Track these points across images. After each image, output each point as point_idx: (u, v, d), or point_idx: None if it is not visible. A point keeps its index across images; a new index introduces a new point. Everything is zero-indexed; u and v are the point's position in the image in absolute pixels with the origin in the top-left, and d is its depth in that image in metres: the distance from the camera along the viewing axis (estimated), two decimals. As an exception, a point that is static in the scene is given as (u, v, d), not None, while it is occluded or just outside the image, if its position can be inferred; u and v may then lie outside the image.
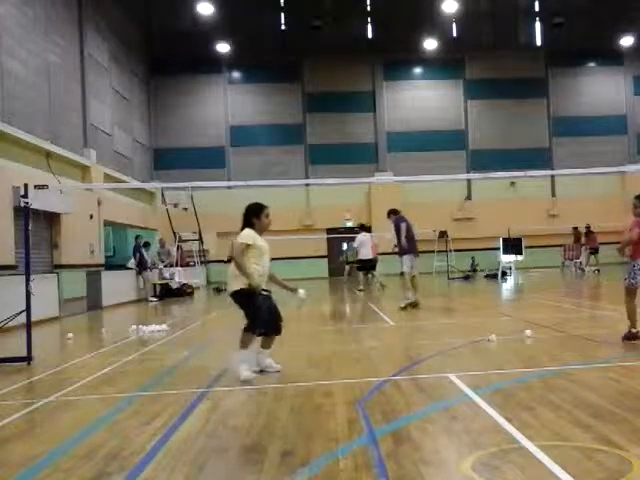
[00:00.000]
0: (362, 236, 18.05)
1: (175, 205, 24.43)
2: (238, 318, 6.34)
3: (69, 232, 15.95)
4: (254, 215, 5.98)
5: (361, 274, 18.44)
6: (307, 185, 28.93)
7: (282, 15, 30.15)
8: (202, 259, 25.41)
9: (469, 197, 30.21)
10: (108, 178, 20.88)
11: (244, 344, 5.86)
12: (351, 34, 29.89)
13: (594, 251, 25.15)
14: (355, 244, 18.22)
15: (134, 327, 10.45)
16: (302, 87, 30.29)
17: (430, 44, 30.03)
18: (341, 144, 29.71)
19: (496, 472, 3.21)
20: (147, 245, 19.56)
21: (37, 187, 8.05)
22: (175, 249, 22.18)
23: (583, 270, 24.69)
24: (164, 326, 10.51)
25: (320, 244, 28.78)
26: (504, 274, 22.47)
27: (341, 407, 4.72)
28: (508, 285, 19.97)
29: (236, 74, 30.49)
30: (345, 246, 23.61)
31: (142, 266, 18.81)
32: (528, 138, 30.21)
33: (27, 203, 7.68)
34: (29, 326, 7.61)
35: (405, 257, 12.28)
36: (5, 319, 8.45)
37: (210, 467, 3.54)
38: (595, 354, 6.62)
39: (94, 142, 20.41)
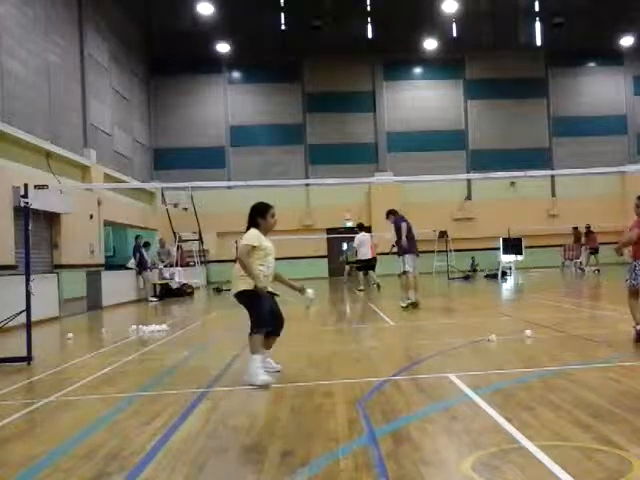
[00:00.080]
0: (361, 236, 18.06)
1: (175, 205, 24.45)
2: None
3: (69, 232, 15.95)
4: (260, 215, 5.88)
5: (361, 274, 18.44)
6: (307, 185, 28.93)
7: (282, 15, 30.15)
8: (202, 259, 25.42)
9: (469, 197, 30.21)
10: (108, 178, 20.88)
11: (255, 348, 5.67)
12: (351, 34, 29.90)
13: (594, 251, 25.15)
14: (355, 244, 18.23)
15: (134, 327, 10.45)
16: (302, 87, 30.29)
17: (430, 44, 30.04)
18: (341, 144, 29.71)
19: (496, 472, 3.21)
20: (147, 245, 19.57)
21: (37, 187, 8.05)
22: (175, 249, 22.19)
23: (583, 270, 24.69)
24: (164, 326, 10.51)
25: (320, 244, 28.80)
26: (504, 274, 22.47)
27: (341, 407, 4.72)
28: (508, 285, 19.97)
29: (236, 74, 30.49)
30: (345, 246, 23.61)
31: (142, 266, 18.81)
32: (528, 138, 30.22)
33: (27, 203, 7.68)
34: (29, 326, 7.61)
35: (407, 256, 12.28)
36: (5, 319, 8.45)
37: (210, 467, 3.54)
38: (595, 354, 6.62)
39: (94, 142, 20.42)
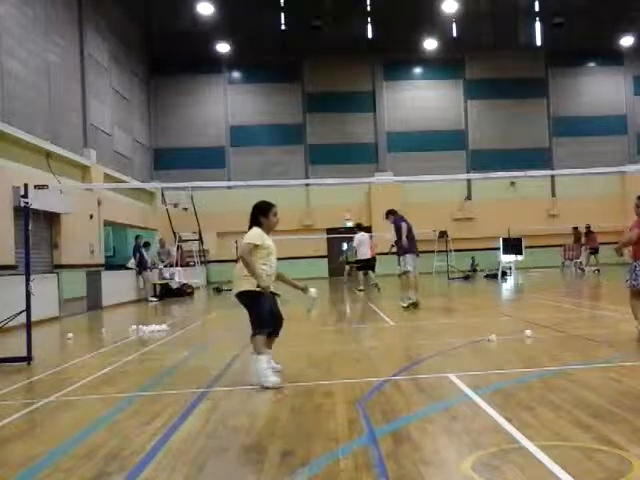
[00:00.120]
0: (361, 236, 18.09)
1: (175, 205, 24.45)
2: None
3: (69, 232, 15.95)
4: (262, 214, 5.82)
5: (361, 274, 18.45)
6: (307, 185, 28.93)
7: (282, 15, 30.16)
8: (202, 259, 25.42)
9: (469, 197, 30.21)
10: (108, 178, 20.88)
11: (259, 348, 5.60)
12: (351, 34, 29.90)
13: (594, 251, 25.16)
14: (354, 244, 18.26)
15: (134, 327, 10.45)
16: (302, 87, 30.29)
17: (430, 44, 30.04)
18: (341, 144, 29.72)
19: (496, 472, 3.21)
20: (147, 245, 19.57)
21: (37, 187, 8.05)
22: (175, 249, 22.19)
23: (583, 270, 24.69)
24: (164, 326, 10.51)
25: (320, 244, 28.80)
26: (504, 274, 22.47)
27: (341, 407, 4.72)
28: (508, 285, 19.97)
29: (236, 74, 30.50)
30: (345, 246, 23.62)
31: (142, 266, 18.81)
32: (528, 138, 30.22)
33: (27, 203, 7.67)
34: (29, 326, 7.61)
35: (408, 256, 12.28)
36: (5, 319, 8.45)
37: (210, 467, 3.54)
38: (595, 354, 6.62)
39: (94, 142, 20.42)
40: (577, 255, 26.07)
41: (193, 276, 22.07)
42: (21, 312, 7.72)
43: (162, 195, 25.79)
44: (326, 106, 29.88)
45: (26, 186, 7.70)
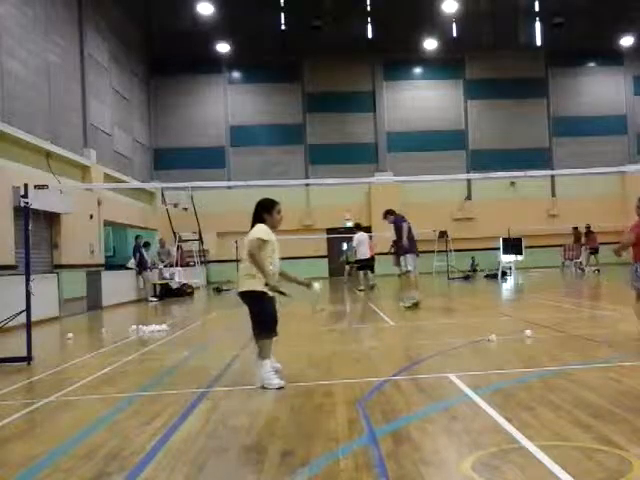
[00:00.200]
0: (360, 235, 18.13)
1: (175, 205, 24.45)
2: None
3: (69, 232, 15.95)
4: (266, 211, 5.73)
5: (361, 274, 18.48)
6: (307, 185, 28.94)
7: (282, 15, 30.16)
8: (202, 259, 25.42)
9: (469, 197, 30.22)
10: (108, 178, 20.88)
11: (266, 354, 5.55)
12: (351, 34, 29.90)
13: (594, 251, 25.16)
14: (354, 243, 18.29)
15: (134, 327, 10.45)
16: (302, 87, 30.30)
17: (430, 44, 30.05)
18: (341, 144, 29.72)
19: (496, 472, 3.21)
20: (147, 245, 19.56)
21: (37, 187, 8.05)
22: (175, 249, 22.19)
23: (583, 270, 24.69)
24: (164, 326, 10.50)
25: (320, 244, 28.81)
26: (504, 274, 22.47)
27: (341, 407, 4.72)
28: (508, 285, 19.97)
29: (236, 74, 30.50)
30: (345, 246, 23.64)
31: (142, 266, 18.81)
32: (528, 138, 30.23)
33: (27, 203, 7.67)
34: (29, 326, 7.61)
35: (408, 256, 12.28)
36: (5, 319, 8.45)
37: (210, 467, 3.54)
38: (595, 354, 6.61)
39: (94, 142, 20.42)
40: (577, 255, 26.07)
41: (193, 276, 22.06)
42: (21, 312, 7.72)
43: (162, 195, 25.79)
44: (326, 106, 29.89)
45: (26, 186, 7.70)
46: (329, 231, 28.17)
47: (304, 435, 4.04)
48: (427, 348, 7.43)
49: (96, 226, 18.13)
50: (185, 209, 24.49)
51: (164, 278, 20.06)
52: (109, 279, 17.47)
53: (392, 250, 22.64)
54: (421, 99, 30.50)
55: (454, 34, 30.52)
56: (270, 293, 5.59)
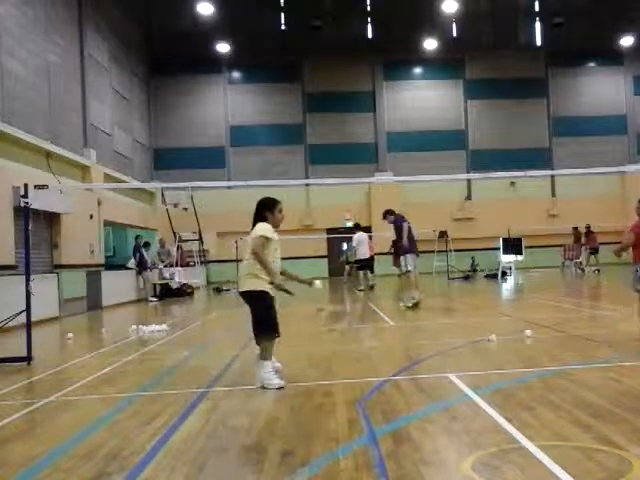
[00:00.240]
0: (359, 235, 18.14)
1: (175, 205, 24.45)
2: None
3: (69, 232, 15.95)
4: (268, 209, 5.69)
5: (361, 274, 18.50)
6: (307, 185, 28.94)
7: (282, 15, 30.17)
8: (202, 259, 25.42)
9: (469, 197, 30.22)
10: (108, 178, 20.88)
11: (268, 355, 5.53)
12: (351, 34, 29.91)
13: (594, 251, 25.16)
14: (353, 243, 18.31)
15: (134, 327, 10.44)
16: (302, 87, 30.30)
17: (430, 44, 30.05)
18: (341, 144, 29.72)
19: (496, 472, 3.21)
20: (147, 245, 19.56)
21: (37, 187, 8.04)
22: (175, 249, 22.19)
23: (583, 270, 24.69)
24: (164, 326, 10.50)
25: (320, 244, 28.81)
26: (504, 274, 22.47)
27: (341, 407, 4.72)
28: (508, 285, 19.97)
29: (236, 74, 30.51)
30: (345, 246, 23.65)
31: (142, 266, 18.81)
32: (528, 138, 30.23)
33: (27, 203, 7.67)
34: (29, 326, 7.61)
35: (409, 256, 12.28)
36: (5, 319, 8.45)
37: (210, 467, 3.54)
38: (595, 354, 6.61)
39: (94, 142, 20.42)
40: (577, 255, 26.06)
41: (193, 276, 22.07)
42: (21, 312, 7.72)
43: (162, 195, 25.79)
44: (326, 106, 29.89)
45: (26, 186, 7.70)
46: (329, 231, 28.17)
47: (304, 435, 4.04)
48: (427, 348, 7.43)
49: (96, 226, 18.14)
50: (185, 209, 24.49)
51: (164, 278, 20.06)
52: (109, 279, 17.47)
53: (391, 250, 22.69)
54: (421, 99, 30.50)
55: (454, 34, 30.52)
56: (272, 293, 5.58)
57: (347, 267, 21.87)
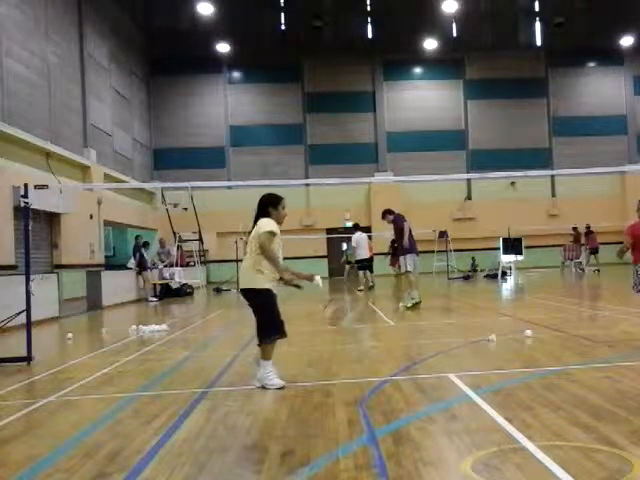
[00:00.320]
0: (358, 236, 18.14)
1: (175, 205, 24.45)
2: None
3: (69, 232, 15.96)
4: (272, 205, 5.61)
5: (361, 274, 18.50)
6: (307, 185, 28.94)
7: (282, 15, 30.17)
8: (202, 259, 25.40)
9: (469, 197, 30.22)
10: (108, 178, 20.89)
11: (268, 355, 5.49)
12: (351, 34, 29.92)
13: (594, 251, 25.16)
14: (353, 244, 18.31)
15: (134, 327, 10.44)
16: (302, 87, 30.30)
17: (430, 44, 30.06)
18: (341, 144, 29.73)
19: (496, 472, 3.21)
20: (147, 245, 19.56)
21: (37, 187, 8.05)
22: (175, 249, 22.17)
23: (583, 270, 24.69)
24: (164, 326, 10.49)
25: (320, 244, 28.81)
26: (504, 274, 22.46)
27: (341, 407, 4.72)
28: (508, 285, 19.97)
29: (236, 74, 30.51)
30: (345, 246, 23.65)
31: (142, 266, 18.80)
32: (528, 138, 30.23)
33: (27, 203, 7.67)
34: (29, 326, 7.60)
35: (409, 256, 12.27)
36: (5, 319, 8.45)
37: (210, 467, 3.54)
38: (595, 354, 6.61)
39: (94, 142, 20.43)
40: (577, 255, 26.06)
41: (193, 276, 22.06)
42: (21, 312, 7.72)
43: (162, 195, 25.79)
44: (326, 106, 29.89)
45: (26, 186, 7.70)
46: (329, 231, 28.18)
47: (304, 435, 4.04)
48: (427, 348, 7.43)
49: (96, 226, 18.14)
50: (185, 209, 24.48)
51: (164, 278, 20.05)
52: (109, 279, 17.46)
53: (390, 250, 22.70)
54: (421, 99, 30.50)
55: (454, 34, 30.53)
56: (274, 290, 5.54)
57: (347, 267, 21.86)
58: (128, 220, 22.22)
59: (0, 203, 12.60)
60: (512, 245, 22.68)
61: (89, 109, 20.08)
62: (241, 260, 5.96)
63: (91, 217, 17.58)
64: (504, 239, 23.65)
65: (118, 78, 23.96)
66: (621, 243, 7.46)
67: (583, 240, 26.16)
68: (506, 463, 3.33)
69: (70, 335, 9.95)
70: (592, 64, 31.46)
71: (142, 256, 18.86)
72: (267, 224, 5.47)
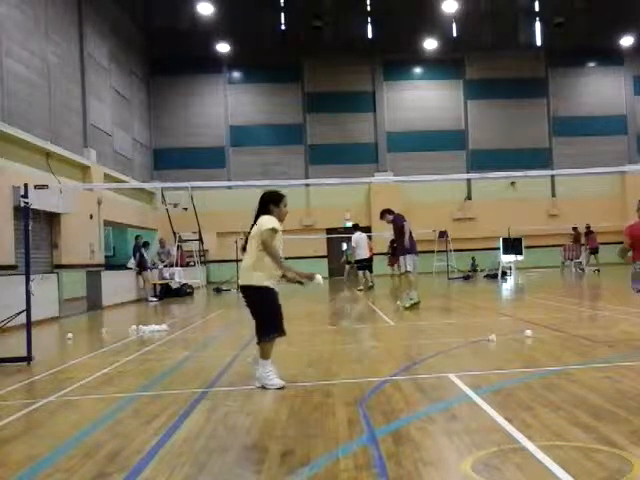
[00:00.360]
0: (357, 236, 18.14)
1: (175, 205, 24.45)
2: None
3: (69, 232, 15.96)
4: (274, 203, 5.60)
5: (360, 273, 18.51)
6: (307, 185, 28.94)
7: (282, 15, 30.18)
8: (202, 259, 25.40)
9: (469, 197, 30.22)
10: (108, 178, 20.89)
11: (267, 354, 5.46)
12: (351, 34, 29.92)
13: (594, 251, 25.16)
14: (352, 244, 18.33)
15: (134, 327, 10.44)
16: (302, 87, 30.31)
17: (430, 44, 30.06)
18: (341, 144, 29.73)
19: (496, 472, 3.21)
20: (147, 245, 19.56)
21: (37, 187, 8.05)
22: (175, 249, 22.17)
23: (583, 270, 24.69)
24: (164, 326, 10.49)
25: (320, 244, 28.81)
26: (504, 274, 22.47)
27: (341, 407, 4.72)
28: (508, 285, 19.97)
29: (236, 74, 30.51)
30: (345, 246, 23.66)
31: (142, 266, 18.80)
32: (528, 138, 30.23)
33: (27, 203, 7.67)
34: (29, 326, 7.60)
35: (409, 256, 12.27)
36: (5, 319, 8.45)
37: (210, 467, 3.54)
38: (595, 354, 6.61)
39: (94, 142, 20.43)
40: (577, 255, 26.06)
41: (193, 276, 22.06)
42: (21, 312, 7.72)
43: (162, 195, 25.79)
44: (326, 106, 29.90)
45: (26, 186, 7.70)
46: (329, 231, 28.18)
47: (304, 435, 4.04)
48: (427, 348, 7.43)
49: (96, 226, 18.14)
50: (185, 209, 24.48)
51: (164, 278, 20.05)
52: (109, 279, 17.45)
53: (389, 250, 22.71)
54: (421, 99, 30.50)
55: (454, 34, 30.53)
56: (276, 289, 5.51)
57: (347, 267, 21.86)
58: (128, 220, 22.22)
59: (0, 203, 12.60)
60: (512, 245, 22.68)
61: (89, 109, 20.08)
62: (241, 260, 5.94)
63: (91, 217, 17.59)
64: (504, 239, 23.65)
65: (118, 78, 23.97)
66: (621, 243, 7.46)
67: (583, 240, 26.16)
68: (506, 463, 3.33)
69: (70, 335, 9.95)
70: (592, 64, 31.46)
71: (142, 256, 18.85)
72: (269, 221, 5.44)
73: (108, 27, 22.60)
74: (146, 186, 26.47)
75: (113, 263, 20.15)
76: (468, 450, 3.58)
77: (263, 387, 5.43)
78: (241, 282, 5.64)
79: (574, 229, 26.88)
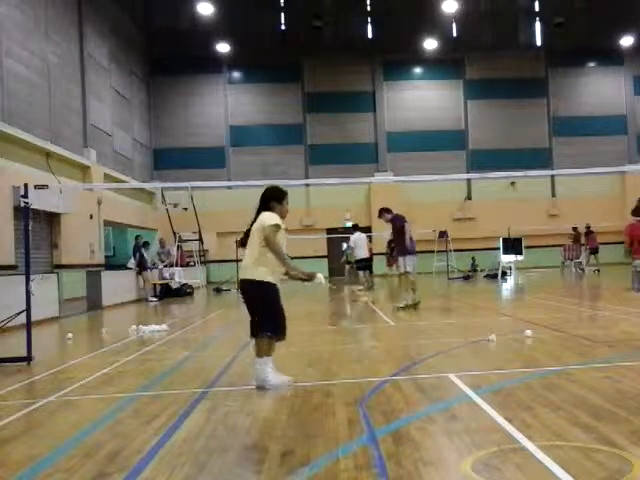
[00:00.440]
0: (357, 236, 18.15)
1: (175, 205, 24.45)
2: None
3: (69, 232, 15.96)
4: (276, 200, 5.51)
5: (360, 274, 18.51)
6: (307, 185, 28.94)
7: (282, 15, 30.18)
8: (202, 259, 25.40)
9: (469, 197, 30.22)
10: (108, 178, 20.89)
11: (266, 351, 5.39)
12: (351, 34, 29.92)
13: (594, 251, 25.15)
14: (351, 244, 18.34)
15: (134, 327, 10.44)
16: (302, 87, 30.31)
17: (430, 44, 30.06)
18: (341, 144, 29.73)
19: (496, 472, 3.21)
20: (147, 245, 19.56)
21: (37, 187, 8.05)
22: (175, 249, 22.17)
23: (583, 270, 24.68)
24: (164, 326, 10.50)
25: (320, 244, 28.80)
26: (504, 274, 22.46)
27: (341, 407, 4.72)
28: (508, 285, 19.97)
29: (236, 74, 30.51)
30: (344, 246, 23.66)
31: (142, 266, 18.80)
32: (528, 138, 30.23)
33: (27, 203, 7.67)
34: (29, 326, 7.60)
35: (409, 257, 12.26)
36: (5, 319, 8.45)
37: (210, 467, 3.54)
38: (595, 354, 6.61)
39: (94, 142, 20.43)
40: (577, 255, 26.06)
41: (193, 276, 22.06)
42: (21, 312, 7.72)
43: (162, 195, 25.79)
44: (326, 106, 29.90)
45: (26, 186, 7.70)
46: (329, 231, 28.18)
47: (304, 435, 4.04)
48: (427, 348, 7.43)
49: (96, 226, 18.14)
50: (185, 209, 24.48)
51: (164, 278, 20.05)
52: (109, 279, 17.45)
53: (388, 250, 22.70)
54: (421, 99, 30.50)
55: (454, 34, 30.53)
56: (278, 285, 5.46)
57: (347, 267, 21.86)
58: (128, 220, 22.22)
59: (0, 203, 12.60)
60: (512, 245, 22.68)
61: (89, 109, 20.08)
62: (241, 260, 5.91)
63: (91, 217, 17.59)
64: (504, 239, 23.65)
65: (118, 78, 23.97)
66: (622, 243, 7.48)
67: (583, 240, 26.15)
68: (506, 463, 3.33)
69: (70, 335, 9.95)
70: (592, 64, 31.46)
71: (142, 256, 18.86)
72: (271, 217, 5.40)
73: (108, 27, 22.60)
74: (146, 186, 26.46)
75: (113, 263, 20.15)
76: (468, 450, 3.58)
77: (262, 387, 5.42)
78: (242, 276, 5.54)
79: (574, 229, 26.87)
